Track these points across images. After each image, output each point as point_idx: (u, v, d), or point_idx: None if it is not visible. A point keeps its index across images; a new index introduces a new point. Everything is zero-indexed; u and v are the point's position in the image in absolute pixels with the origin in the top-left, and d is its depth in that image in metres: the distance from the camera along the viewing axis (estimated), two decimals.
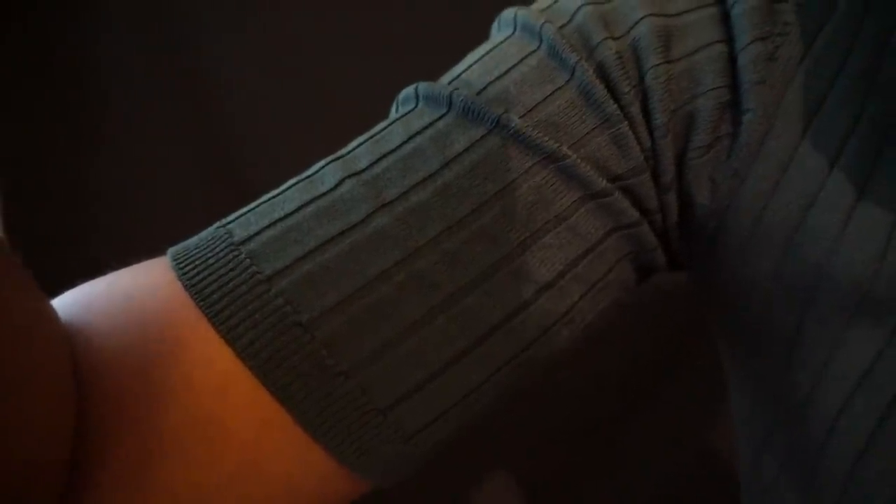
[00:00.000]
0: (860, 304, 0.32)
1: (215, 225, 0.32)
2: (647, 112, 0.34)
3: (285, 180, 0.33)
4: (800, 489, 0.37)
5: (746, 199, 0.34)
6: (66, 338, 0.28)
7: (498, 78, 0.33)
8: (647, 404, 0.74)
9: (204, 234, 0.32)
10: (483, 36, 0.38)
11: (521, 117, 0.32)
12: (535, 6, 0.36)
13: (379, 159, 0.32)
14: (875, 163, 0.32)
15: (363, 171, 0.32)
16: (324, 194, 0.31)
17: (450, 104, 0.33)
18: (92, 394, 0.28)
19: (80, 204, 0.70)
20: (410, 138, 0.32)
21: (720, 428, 0.73)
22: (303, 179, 0.33)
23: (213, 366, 0.29)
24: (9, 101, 0.68)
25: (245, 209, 0.32)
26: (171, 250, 0.32)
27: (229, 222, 0.32)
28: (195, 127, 0.70)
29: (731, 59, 0.34)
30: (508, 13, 0.36)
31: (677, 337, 0.72)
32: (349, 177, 0.32)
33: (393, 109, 0.35)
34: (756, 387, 0.38)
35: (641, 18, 0.34)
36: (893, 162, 0.32)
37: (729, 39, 0.34)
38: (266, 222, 0.31)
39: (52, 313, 0.28)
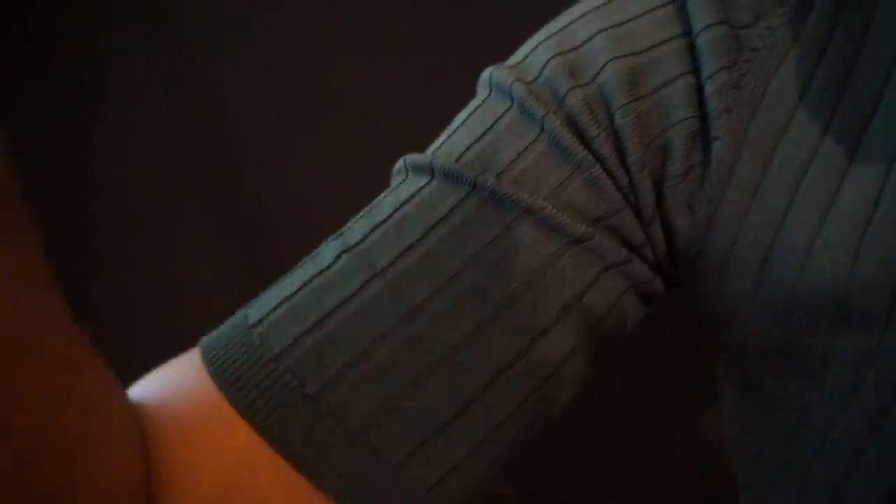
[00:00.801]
0: (839, 316, 0.33)
1: (239, 311, 0.35)
2: (620, 150, 0.35)
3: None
4: (792, 498, 0.37)
5: (722, 224, 0.35)
6: (133, 412, 0.31)
7: (476, 141, 0.35)
8: (643, 415, 0.74)
9: (230, 319, 0.34)
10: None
11: (496, 176, 0.34)
12: (508, 62, 0.37)
13: (371, 232, 0.34)
14: (844, 174, 0.33)
15: (357, 244, 0.34)
16: (322, 271, 0.33)
17: (432, 172, 0.35)
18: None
19: (80, 205, 0.70)
20: (398, 208, 0.34)
21: (718, 434, 0.73)
22: (309, 259, 0.35)
23: (240, 441, 0.31)
24: (9, 101, 0.68)
25: (263, 293, 0.35)
26: (202, 340, 0.34)
27: (248, 307, 0.34)
28: (197, 127, 0.70)
29: (699, 89, 0.35)
30: (485, 75, 0.37)
31: (677, 339, 0.72)
32: (345, 252, 0.34)
33: (391, 181, 0.37)
34: (749, 398, 0.39)
35: (606, 63, 0.35)
36: (862, 173, 0.33)
37: (695, 70, 0.35)
38: (275, 303, 0.33)
39: (118, 388, 0.30)
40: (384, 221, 0.34)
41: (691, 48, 0.35)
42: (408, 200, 0.34)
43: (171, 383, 0.33)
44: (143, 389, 0.33)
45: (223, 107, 0.70)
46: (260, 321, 0.33)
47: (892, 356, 0.32)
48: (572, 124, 0.34)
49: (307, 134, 0.69)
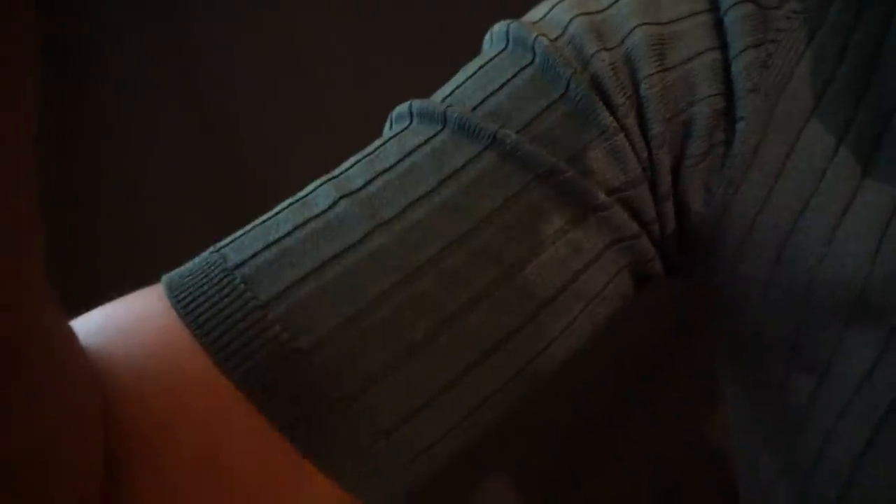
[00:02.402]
0: (855, 309, 0.32)
1: (209, 249, 0.31)
2: (643, 122, 0.34)
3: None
4: (797, 494, 0.37)
5: (740, 207, 0.34)
6: (92, 369, 0.27)
7: (493, 93, 0.33)
8: (646, 403, 0.74)
9: (198, 259, 0.31)
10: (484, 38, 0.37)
11: (517, 132, 0.32)
12: (526, 18, 0.36)
13: (374, 178, 0.32)
14: (870, 161, 0.33)
15: (358, 190, 0.31)
16: (318, 215, 0.31)
17: (444, 121, 0.32)
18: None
19: (80, 208, 0.70)
20: (406, 156, 0.32)
21: (721, 426, 0.74)
22: (296, 201, 0.32)
23: (214, 396, 0.28)
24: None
25: (239, 233, 0.31)
26: (165, 277, 0.30)
27: (223, 246, 0.31)
28: (198, 129, 0.70)
29: (725, 67, 0.34)
30: (501, 27, 0.35)
31: (676, 332, 0.73)
32: (344, 197, 0.31)
33: (386, 127, 0.35)
34: (756, 391, 0.38)
35: (634, 28, 0.34)
36: (889, 160, 0.32)
37: (722, 46, 0.34)
38: (260, 245, 0.30)
39: (81, 348, 0.26)
40: (388, 169, 0.32)
41: (718, 24, 0.34)
42: (416, 149, 0.32)
43: (132, 329, 0.29)
44: (95, 333, 0.29)
45: (226, 109, 0.69)
46: (243, 263, 0.29)
47: None
48: (597, 88, 0.33)
49: (310, 136, 0.69)
